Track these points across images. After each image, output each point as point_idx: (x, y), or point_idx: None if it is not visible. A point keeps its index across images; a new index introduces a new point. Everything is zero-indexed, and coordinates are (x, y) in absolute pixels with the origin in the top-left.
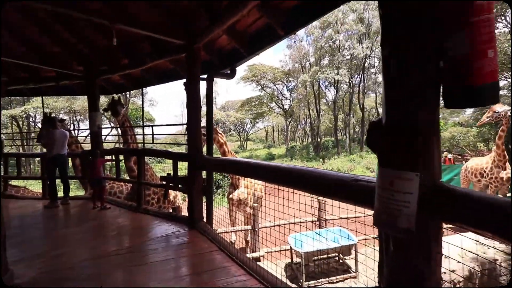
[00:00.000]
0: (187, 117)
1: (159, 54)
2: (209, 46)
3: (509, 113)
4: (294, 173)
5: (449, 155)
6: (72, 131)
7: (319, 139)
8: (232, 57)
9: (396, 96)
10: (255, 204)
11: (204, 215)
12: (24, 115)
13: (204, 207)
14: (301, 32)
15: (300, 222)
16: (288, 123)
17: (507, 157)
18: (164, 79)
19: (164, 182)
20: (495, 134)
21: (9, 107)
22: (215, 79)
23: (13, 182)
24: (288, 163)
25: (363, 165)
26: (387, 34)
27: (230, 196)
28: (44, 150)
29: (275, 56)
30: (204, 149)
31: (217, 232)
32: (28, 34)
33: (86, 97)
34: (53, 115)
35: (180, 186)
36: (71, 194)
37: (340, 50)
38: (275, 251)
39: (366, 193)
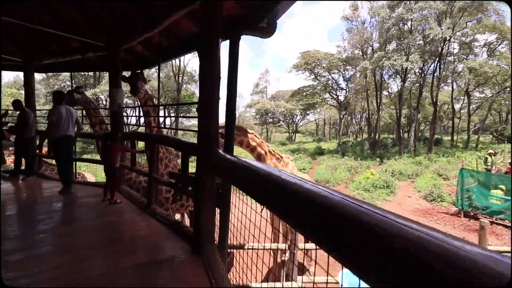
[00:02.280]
0: (199, 94)
1: (173, 8)
2: None
3: None
4: None
5: None
6: (101, 110)
7: (377, 136)
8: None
9: None
10: None
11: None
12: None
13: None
14: (364, 13)
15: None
16: (341, 116)
17: None
18: (191, 46)
19: (173, 181)
20: None
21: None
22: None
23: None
24: (338, 159)
25: (433, 170)
26: None
27: None
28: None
29: (330, 44)
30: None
31: (232, 247)
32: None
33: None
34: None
35: (190, 188)
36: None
37: (412, 33)
38: (319, 283)
39: None
